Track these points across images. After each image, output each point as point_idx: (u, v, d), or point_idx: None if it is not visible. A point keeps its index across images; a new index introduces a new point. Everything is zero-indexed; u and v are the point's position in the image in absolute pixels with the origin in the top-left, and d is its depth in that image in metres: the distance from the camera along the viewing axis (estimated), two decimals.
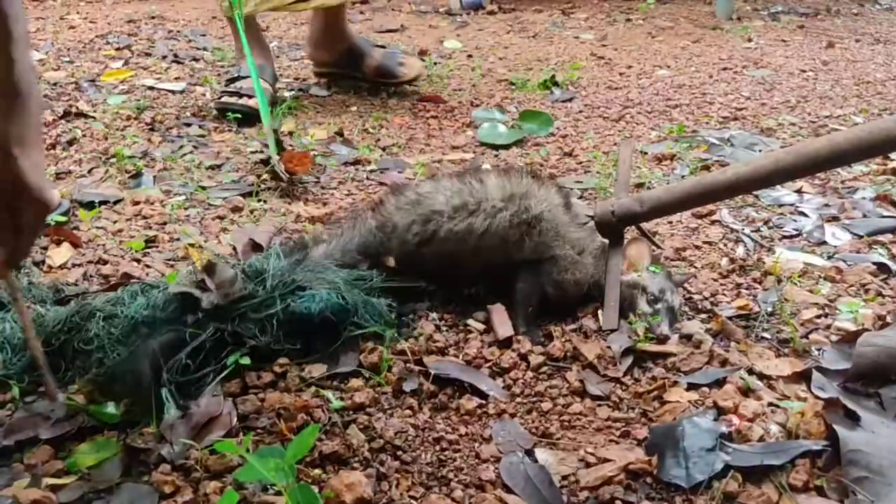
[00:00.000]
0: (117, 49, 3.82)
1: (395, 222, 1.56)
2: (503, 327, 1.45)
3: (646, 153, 2.51)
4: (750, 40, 4.48)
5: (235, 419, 1.18)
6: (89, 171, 2.26)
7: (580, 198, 2.16)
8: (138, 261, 1.70)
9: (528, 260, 1.53)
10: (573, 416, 1.25)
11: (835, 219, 1.99)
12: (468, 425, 1.22)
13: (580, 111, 3.05)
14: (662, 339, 1.42)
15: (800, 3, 5.91)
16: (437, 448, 1.17)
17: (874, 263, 1.72)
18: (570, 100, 3.21)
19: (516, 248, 1.52)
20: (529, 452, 1.16)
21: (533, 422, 1.24)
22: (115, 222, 1.91)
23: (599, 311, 1.50)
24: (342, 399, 1.24)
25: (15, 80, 0.97)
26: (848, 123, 2.82)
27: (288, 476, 0.93)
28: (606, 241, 1.62)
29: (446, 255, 1.52)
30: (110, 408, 1.20)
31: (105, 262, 1.69)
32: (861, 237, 1.88)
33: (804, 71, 3.69)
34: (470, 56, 4.08)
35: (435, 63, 3.83)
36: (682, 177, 2.28)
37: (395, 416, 1.22)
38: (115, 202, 2.03)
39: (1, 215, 1.05)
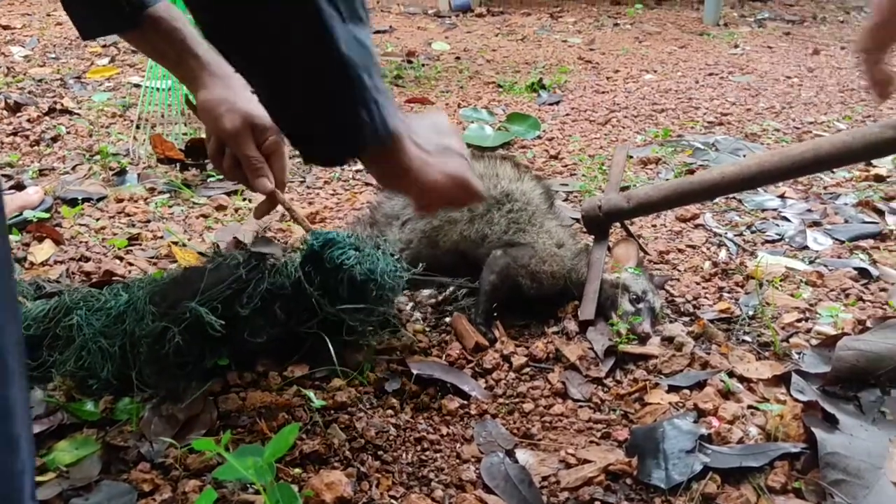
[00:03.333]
0: (103, 46, 3.81)
1: (384, 208, 1.69)
2: (467, 339, 1.44)
3: (631, 157, 2.52)
4: (736, 46, 4.51)
5: (216, 418, 1.18)
6: (73, 168, 2.25)
7: (565, 200, 2.16)
8: (121, 258, 1.69)
9: (504, 243, 1.56)
10: (554, 418, 1.25)
11: (817, 224, 2.00)
12: (450, 426, 1.22)
13: (567, 114, 3.06)
14: (644, 338, 1.43)
15: (786, 11, 5.96)
16: (418, 448, 1.17)
17: (855, 268, 1.73)
18: (557, 103, 3.23)
19: (487, 223, 1.58)
20: (510, 453, 1.16)
21: (514, 422, 1.24)
22: (97, 220, 1.90)
23: (580, 310, 1.50)
24: (324, 398, 1.24)
25: None
26: (831, 130, 2.85)
27: (267, 475, 0.92)
28: (590, 243, 1.63)
29: (427, 234, 1.61)
30: (90, 405, 1.20)
31: (87, 260, 1.68)
32: (843, 242, 1.89)
33: (789, 77, 3.72)
34: (458, 58, 4.09)
35: (423, 65, 3.83)
36: (667, 180, 2.29)
37: (376, 416, 1.22)
38: (99, 199, 2.02)
39: (255, 152, 1.29)
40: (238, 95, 1.29)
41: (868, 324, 1.48)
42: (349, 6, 0.87)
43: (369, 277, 1.29)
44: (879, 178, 2.32)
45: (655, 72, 3.82)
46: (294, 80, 0.90)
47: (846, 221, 2.02)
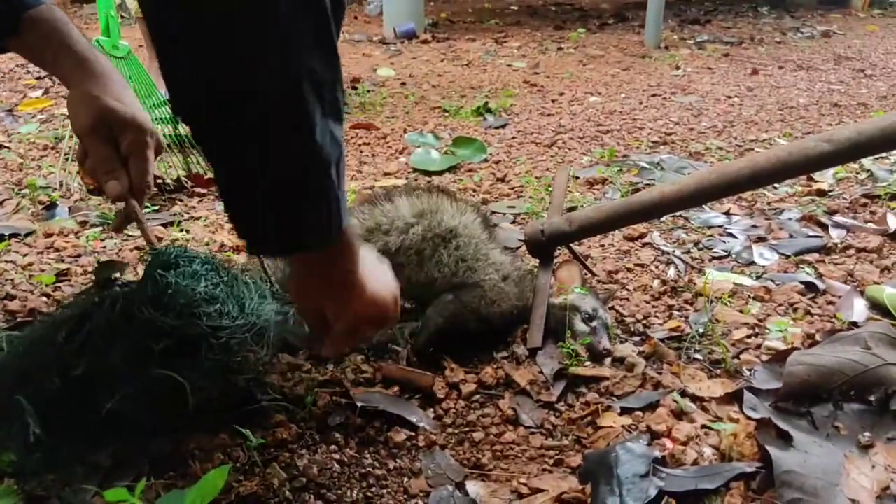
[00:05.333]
0: (37, 78, 3.71)
1: None
2: (419, 380, 1.36)
3: (578, 178, 2.51)
4: (678, 68, 4.58)
5: (146, 462, 1.11)
6: (1, 203, 2.15)
7: (512, 222, 2.14)
8: (48, 295, 1.61)
9: (453, 285, 1.50)
10: (506, 446, 1.21)
11: (762, 239, 2.01)
12: (397, 459, 1.17)
13: (513, 137, 3.05)
14: (605, 355, 1.40)
15: (724, 33, 6.10)
16: (364, 484, 1.11)
17: (801, 282, 1.73)
18: (503, 126, 3.22)
19: (436, 265, 1.51)
20: (460, 485, 1.11)
21: (464, 453, 1.19)
22: (24, 255, 1.81)
23: (527, 338, 1.47)
24: (263, 436, 1.17)
25: None
26: (773, 146, 2.88)
27: None
28: (531, 267, 1.61)
29: None
30: (10, 453, 1.11)
31: (12, 298, 1.59)
32: (788, 257, 1.90)
33: (730, 97, 3.79)
34: (403, 84, 4.07)
35: (368, 91, 3.81)
36: (614, 200, 2.29)
37: (319, 453, 1.16)
38: (27, 234, 1.93)
39: (109, 152, 1.22)
40: (106, 91, 1.21)
41: (817, 337, 1.47)
42: (333, 102, 0.86)
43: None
44: (822, 193, 2.35)
45: (600, 94, 3.85)
46: (262, 164, 0.86)
47: (791, 236, 2.03)
